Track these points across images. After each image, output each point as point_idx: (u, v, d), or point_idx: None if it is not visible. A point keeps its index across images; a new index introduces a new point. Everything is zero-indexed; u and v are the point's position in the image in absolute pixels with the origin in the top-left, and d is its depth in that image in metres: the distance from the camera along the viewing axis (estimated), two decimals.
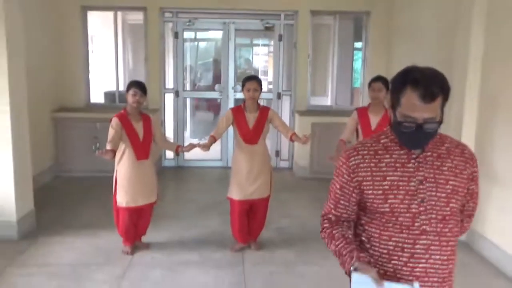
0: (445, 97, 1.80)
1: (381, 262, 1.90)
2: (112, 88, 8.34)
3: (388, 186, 1.85)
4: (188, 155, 8.20)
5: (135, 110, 4.47)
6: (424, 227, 1.81)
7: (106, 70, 9.35)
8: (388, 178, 1.86)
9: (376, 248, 1.91)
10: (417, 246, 1.82)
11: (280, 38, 8.17)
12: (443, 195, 1.83)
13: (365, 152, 1.91)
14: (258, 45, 12.21)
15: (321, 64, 9.72)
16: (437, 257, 1.83)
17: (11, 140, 4.79)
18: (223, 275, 4.30)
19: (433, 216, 1.82)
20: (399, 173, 1.85)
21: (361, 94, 8.46)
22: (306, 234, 5.32)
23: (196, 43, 11.91)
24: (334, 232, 2.05)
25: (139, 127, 4.49)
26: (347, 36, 9.55)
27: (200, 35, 11.78)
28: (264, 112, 4.66)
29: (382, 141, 1.92)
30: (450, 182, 1.85)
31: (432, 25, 6.23)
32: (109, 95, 8.59)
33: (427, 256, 1.82)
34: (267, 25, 8.16)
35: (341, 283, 4.17)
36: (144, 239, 4.91)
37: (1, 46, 4.67)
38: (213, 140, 4.60)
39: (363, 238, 1.97)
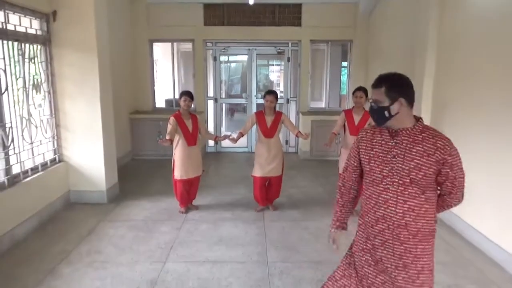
0: (389, 89, 1.89)
1: (367, 213, 2.02)
2: (170, 96, 8.35)
3: (372, 154, 1.98)
4: (223, 144, 8.22)
5: (186, 111, 4.50)
6: (388, 186, 1.91)
7: (166, 84, 9.39)
8: (374, 149, 1.98)
9: (364, 204, 2.05)
10: (380, 198, 1.94)
11: (289, 59, 8.08)
12: (406, 168, 1.87)
13: (367, 132, 2.05)
14: (273, 64, 12.11)
15: (317, 78, 9.59)
16: (393, 209, 1.90)
17: (102, 134, 4.86)
18: (249, 228, 4.31)
19: (395, 180, 1.89)
20: (382, 148, 1.95)
21: (346, 99, 8.34)
22: (308, 199, 5.30)
23: (228, 64, 11.87)
24: (337, 197, 2.25)
25: (189, 123, 4.51)
26: (336, 57, 9.43)
27: (231, 58, 11.72)
28: (278, 115, 4.62)
29: (378, 128, 2.01)
30: (415, 160, 1.86)
31: (397, 48, 6.10)
32: (168, 101, 8.62)
33: (385, 206, 1.92)
34: (279, 50, 8.07)
35: None
36: (194, 202, 4.94)
37: (94, 70, 4.73)
38: (241, 135, 4.61)
39: (363, 199, 2.06)
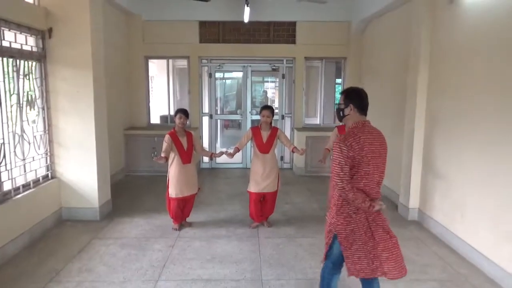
0: (345, 97, 2.60)
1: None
2: (165, 112, 8.36)
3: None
4: (218, 160, 8.19)
5: (181, 129, 4.49)
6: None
7: (161, 100, 9.40)
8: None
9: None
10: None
11: (283, 76, 8.15)
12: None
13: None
14: (268, 81, 12.20)
15: (312, 94, 9.66)
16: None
17: (95, 150, 4.83)
18: (244, 245, 4.26)
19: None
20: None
21: None
22: (303, 215, 5.26)
23: (224, 80, 11.94)
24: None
25: (184, 141, 4.50)
26: (331, 74, 9.49)
27: (226, 75, 11.80)
28: (274, 131, 4.62)
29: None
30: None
31: (390, 65, 6.18)
32: (163, 118, 8.61)
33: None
34: (274, 67, 8.15)
35: None
36: (188, 219, 4.89)
37: (89, 86, 4.73)
38: (237, 150, 4.58)
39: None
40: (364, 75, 7.58)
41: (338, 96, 10.29)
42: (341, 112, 2.61)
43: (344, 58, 7.99)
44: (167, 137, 4.41)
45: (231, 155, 4.53)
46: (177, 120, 4.46)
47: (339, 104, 2.65)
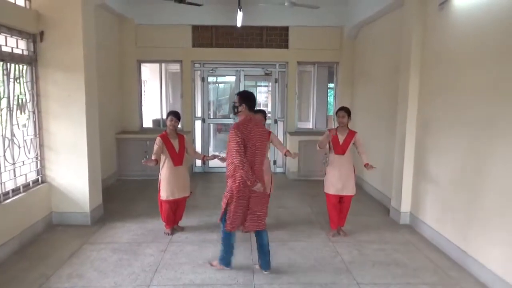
0: (239, 98, 3.58)
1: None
2: (158, 116, 8.34)
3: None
4: (211, 164, 8.17)
5: (172, 131, 4.50)
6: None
7: (153, 104, 9.38)
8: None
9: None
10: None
11: (276, 80, 8.18)
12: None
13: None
14: (260, 85, 12.23)
15: (304, 99, 9.70)
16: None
17: (87, 154, 4.80)
18: (236, 250, 4.21)
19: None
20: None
21: (333, 120, 8.40)
22: (296, 219, 5.27)
23: (217, 84, 11.95)
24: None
25: (175, 143, 4.50)
26: (323, 78, 9.55)
27: (219, 79, 11.81)
28: (267, 134, 4.62)
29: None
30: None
31: (382, 70, 6.24)
32: (156, 122, 8.59)
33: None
34: (267, 71, 8.18)
35: (320, 254, 4.14)
36: (180, 223, 4.87)
37: (81, 90, 4.72)
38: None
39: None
40: (357, 80, 7.64)
41: (330, 100, 10.37)
42: (236, 109, 3.55)
43: (337, 62, 8.04)
44: (158, 139, 4.41)
45: (224, 160, 4.52)
46: (168, 122, 4.46)
47: (234, 102, 3.55)
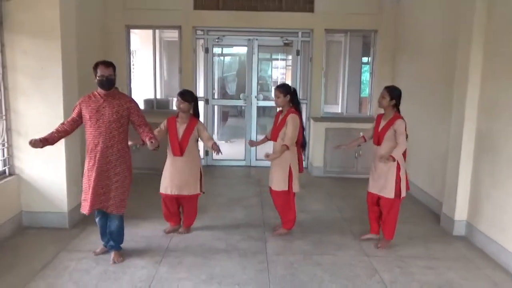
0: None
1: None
2: (151, 96, 8.32)
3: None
4: (216, 156, 8.13)
5: (182, 115, 4.64)
6: None
7: (145, 80, 9.36)
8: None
9: None
10: None
11: (298, 53, 8.09)
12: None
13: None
14: (277, 59, 12.14)
15: (333, 76, 9.63)
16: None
17: (64, 141, 4.75)
18: (248, 263, 4.21)
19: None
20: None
21: (368, 103, 8.32)
22: (322, 227, 5.22)
23: (223, 57, 11.89)
24: None
25: (181, 129, 4.60)
26: (356, 51, 9.45)
27: (226, 50, 11.74)
28: (287, 115, 4.69)
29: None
30: None
31: (434, 41, 6.10)
32: (148, 102, 8.56)
33: None
34: (286, 41, 8.09)
35: (353, 271, 4.10)
36: (185, 227, 4.93)
37: (57, 61, 4.71)
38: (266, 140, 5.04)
39: None
40: (400, 53, 7.50)
41: (365, 78, 10.24)
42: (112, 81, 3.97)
43: (375, 31, 7.91)
44: (163, 122, 4.64)
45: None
46: (175, 103, 4.65)
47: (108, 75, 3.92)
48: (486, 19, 4.71)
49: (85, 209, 4.01)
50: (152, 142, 3.85)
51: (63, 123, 4.02)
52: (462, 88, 4.93)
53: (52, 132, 3.90)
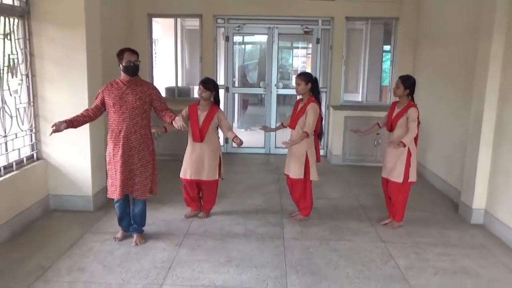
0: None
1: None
2: (172, 84, 8.42)
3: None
4: (235, 144, 8.23)
5: (203, 101, 4.72)
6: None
7: (167, 68, 9.47)
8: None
9: None
10: None
11: (318, 41, 8.06)
12: None
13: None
14: (297, 47, 12.10)
15: (353, 64, 9.57)
16: None
17: (89, 127, 4.90)
18: (266, 247, 4.30)
19: None
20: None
21: (389, 91, 8.26)
22: (339, 214, 5.27)
23: (243, 45, 11.91)
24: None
25: (202, 116, 4.70)
26: (377, 39, 9.33)
27: (247, 38, 11.75)
28: (307, 103, 4.73)
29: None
30: None
31: (456, 29, 6.01)
32: (169, 90, 8.65)
33: None
34: (306, 29, 8.07)
35: (369, 256, 4.15)
36: (205, 212, 5.04)
37: (81, 49, 4.82)
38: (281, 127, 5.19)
39: None
40: (422, 41, 7.41)
41: (386, 67, 10.14)
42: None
43: (396, 18, 7.81)
44: (185, 109, 4.75)
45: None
46: (197, 92, 4.74)
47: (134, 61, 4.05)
48: (509, 7, 4.64)
49: (113, 194, 4.16)
50: (176, 121, 3.99)
51: (87, 109, 4.15)
52: (483, 76, 4.88)
53: (77, 116, 4.04)
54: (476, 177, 4.98)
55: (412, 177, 4.63)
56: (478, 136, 4.94)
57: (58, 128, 3.87)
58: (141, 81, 4.19)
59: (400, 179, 4.61)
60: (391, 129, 4.72)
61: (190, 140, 4.78)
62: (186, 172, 4.78)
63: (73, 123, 3.99)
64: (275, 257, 4.09)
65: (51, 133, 3.89)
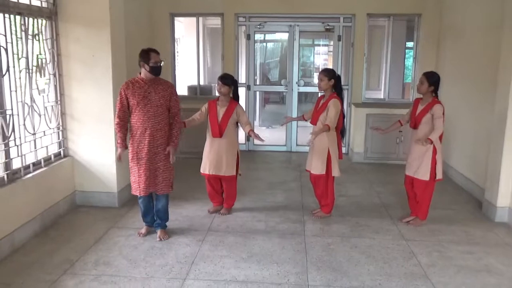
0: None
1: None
2: (194, 82, 8.51)
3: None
4: (256, 141, 8.26)
5: (222, 97, 4.80)
6: None
7: (189, 67, 9.57)
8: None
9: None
10: None
11: (339, 38, 8.03)
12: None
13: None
14: (319, 45, 12.06)
15: (375, 61, 9.48)
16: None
17: (114, 129, 4.99)
18: (287, 243, 4.33)
19: None
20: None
21: (412, 88, 8.18)
22: (360, 211, 5.26)
23: (265, 44, 11.93)
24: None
25: (221, 111, 4.76)
26: (400, 36, 9.26)
27: (268, 37, 11.78)
28: (329, 99, 4.73)
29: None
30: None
31: (480, 25, 5.92)
32: (191, 88, 8.74)
33: None
34: (328, 27, 8.05)
35: (391, 254, 4.14)
36: (226, 209, 5.11)
37: (106, 49, 4.93)
38: (302, 119, 5.23)
39: None
40: (445, 37, 7.31)
41: (408, 64, 10.04)
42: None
43: (419, 15, 7.73)
44: (205, 104, 4.84)
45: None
46: (216, 87, 4.82)
47: (160, 61, 4.13)
48: None
49: (136, 191, 4.27)
50: (171, 151, 4.25)
51: (118, 121, 4.20)
52: (507, 73, 4.80)
53: (122, 132, 4.22)
54: (501, 174, 4.91)
55: (439, 175, 4.60)
56: (503, 133, 4.87)
57: (120, 156, 4.28)
58: (160, 79, 4.28)
59: (426, 177, 4.57)
60: (415, 126, 4.67)
61: (209, 135, 4.84)
62: (205, 167, 4.86)
63: (124, 139, 4.24)
64: (296, 254, 4.12)
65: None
